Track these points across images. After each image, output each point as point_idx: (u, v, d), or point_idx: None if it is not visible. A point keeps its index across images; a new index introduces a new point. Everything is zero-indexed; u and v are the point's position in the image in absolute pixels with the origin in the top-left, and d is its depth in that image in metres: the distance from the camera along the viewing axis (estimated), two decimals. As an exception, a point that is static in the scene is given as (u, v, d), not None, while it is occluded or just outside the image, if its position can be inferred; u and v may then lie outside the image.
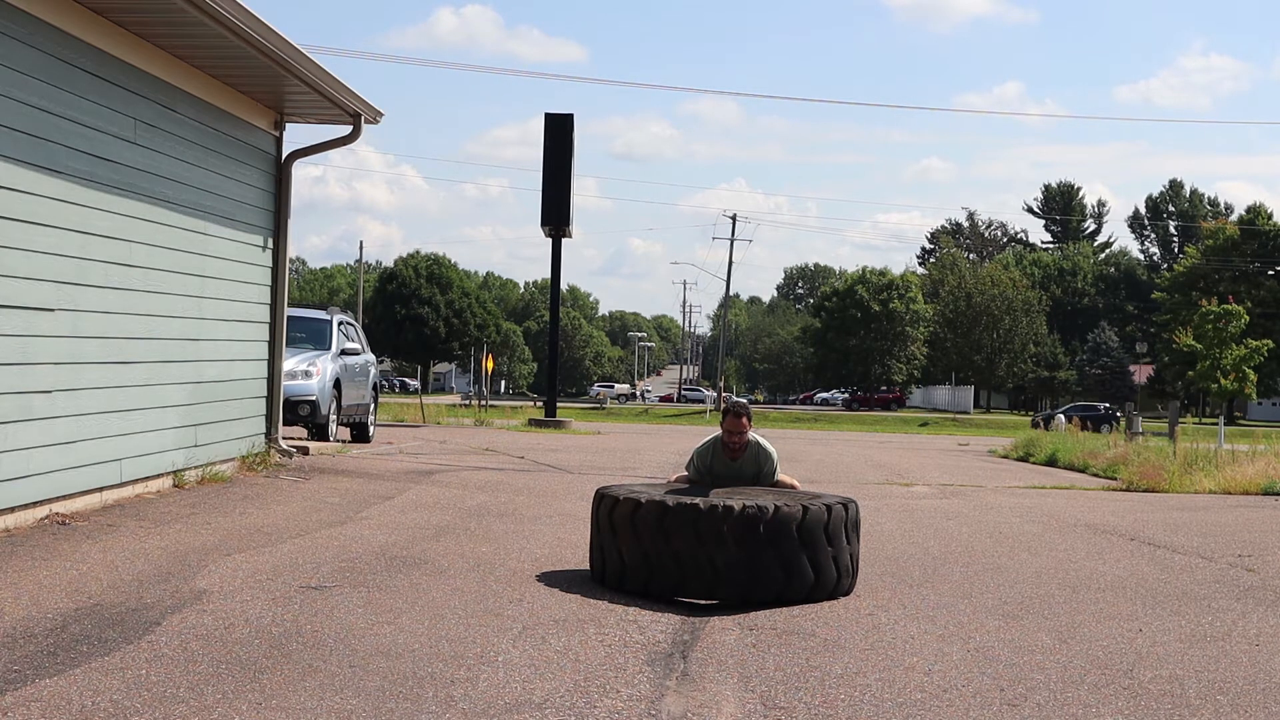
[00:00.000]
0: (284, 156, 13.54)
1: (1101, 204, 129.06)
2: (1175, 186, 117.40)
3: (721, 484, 8.21)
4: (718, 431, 8.57)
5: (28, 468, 8.35)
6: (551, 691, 4.95)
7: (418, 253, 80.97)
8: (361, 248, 74.50)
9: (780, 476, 8.46)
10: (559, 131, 32.16)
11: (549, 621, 6.24)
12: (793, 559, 6.96)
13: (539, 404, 50.97)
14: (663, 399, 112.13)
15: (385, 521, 9.65)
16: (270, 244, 13.30)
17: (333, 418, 17.66)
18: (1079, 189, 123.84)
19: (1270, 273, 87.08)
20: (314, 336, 18.51)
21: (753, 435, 8.46)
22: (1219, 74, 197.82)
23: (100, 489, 9.46)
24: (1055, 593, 7.73)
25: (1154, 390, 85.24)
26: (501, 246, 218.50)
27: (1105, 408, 63.58)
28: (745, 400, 9.34)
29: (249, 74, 11.54)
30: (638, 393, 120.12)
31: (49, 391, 8.67)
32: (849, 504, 7.41)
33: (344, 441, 18.29)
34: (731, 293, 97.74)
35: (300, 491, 11.22)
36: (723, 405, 9.52)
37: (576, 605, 6.68)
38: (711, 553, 6.85)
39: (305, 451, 14.50)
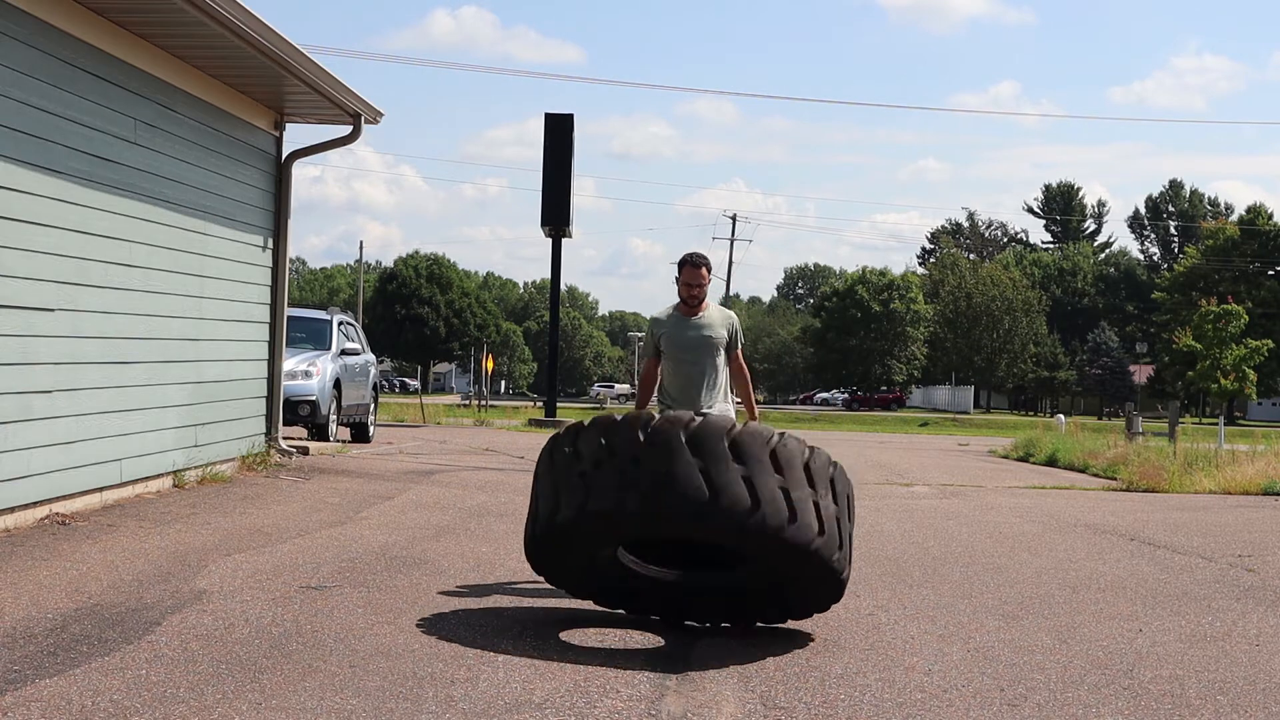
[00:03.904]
0: (284, 156, 13.54)
1: (1101, 204, 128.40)
2: (1175, 186, 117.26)
3: (688, 352, 7.16)
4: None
5: (28, 468, 8.35)
6: (551, 691, 4.95)
7: (417, 253, 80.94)
8: (361, 248, 74.50)
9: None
10: (559, 131, 32.08)
11: (549, 622, 6.24)
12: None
13: (539, 404, 50.91)
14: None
15: (385, 521, 9.65)
16: (270, 244, 13.30)
17: (333, 418, 17.66)
18: (1079, 189, 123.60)
19: (1270, 273, 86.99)
20: (314, 336, 18.51)
21: (713, 303, 7.39)
22: (1214, 74, 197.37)
23: (100, 489, 9.46)
24: (1055, 593, 7.73)
25: (1154, 390, 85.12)
26: (501, 247, 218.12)
27: None
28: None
29: (249, 74, 11.54)
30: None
31: (49, 391, 8.67)
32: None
33: (344, 441, 18.29)
34: (731, 293, 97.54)
35: (300, 492, 11.22)
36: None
37: (576, 605, 6.67)
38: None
39: (305, 451, 14.50)
